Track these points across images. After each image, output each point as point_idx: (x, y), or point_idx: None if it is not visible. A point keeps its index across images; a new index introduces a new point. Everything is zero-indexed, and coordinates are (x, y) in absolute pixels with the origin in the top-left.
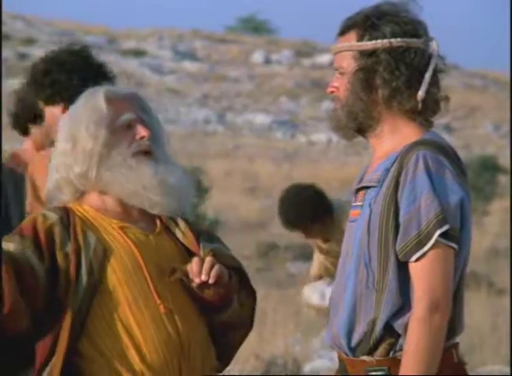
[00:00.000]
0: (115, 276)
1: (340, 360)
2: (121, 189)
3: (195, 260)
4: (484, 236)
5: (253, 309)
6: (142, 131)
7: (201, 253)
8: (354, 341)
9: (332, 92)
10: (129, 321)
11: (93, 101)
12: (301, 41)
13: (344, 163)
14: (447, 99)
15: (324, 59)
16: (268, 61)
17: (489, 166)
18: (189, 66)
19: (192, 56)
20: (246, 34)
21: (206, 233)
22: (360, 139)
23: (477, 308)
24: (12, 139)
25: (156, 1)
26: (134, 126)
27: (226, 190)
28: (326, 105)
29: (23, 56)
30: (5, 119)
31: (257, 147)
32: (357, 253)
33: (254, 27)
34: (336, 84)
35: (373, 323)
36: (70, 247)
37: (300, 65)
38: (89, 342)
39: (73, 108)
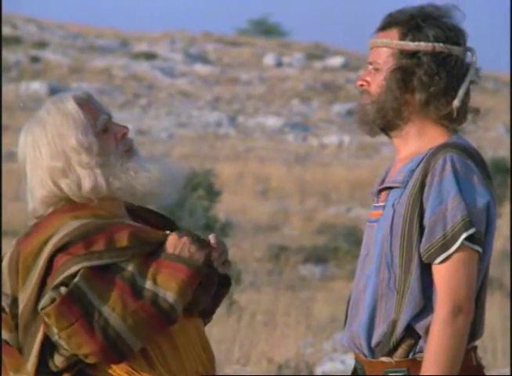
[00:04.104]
0: None
1: (358, 361)
2: (135, 192)
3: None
4: (495, 238)
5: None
6: (121, 128)
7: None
8: (373, 342)
9: (361, 85)
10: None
11: (67, 110)
12: (313, 43)
13: (356, 166)
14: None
15: (335, 61)
16: (279, 64)
17: (501, 168)
18: (200, 69)
19: (203, 58)
20: (257, 37)
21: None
22: (371, 141)
23: (488, 311)
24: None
25: (168, 4)
26: (110, 126)
27: (238, 193)
28: (338, 108)
29: (35, 59)
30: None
31: (268, 150)
32: (378, 253)
33: (266, 29)
34: (368, 78)
35: (394, 324)
36: None
37: (311, 68)
38: None
39: (43, 119)
